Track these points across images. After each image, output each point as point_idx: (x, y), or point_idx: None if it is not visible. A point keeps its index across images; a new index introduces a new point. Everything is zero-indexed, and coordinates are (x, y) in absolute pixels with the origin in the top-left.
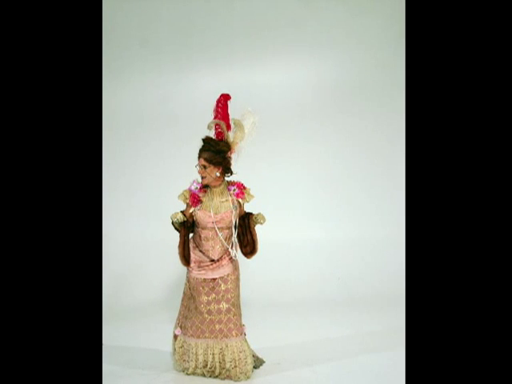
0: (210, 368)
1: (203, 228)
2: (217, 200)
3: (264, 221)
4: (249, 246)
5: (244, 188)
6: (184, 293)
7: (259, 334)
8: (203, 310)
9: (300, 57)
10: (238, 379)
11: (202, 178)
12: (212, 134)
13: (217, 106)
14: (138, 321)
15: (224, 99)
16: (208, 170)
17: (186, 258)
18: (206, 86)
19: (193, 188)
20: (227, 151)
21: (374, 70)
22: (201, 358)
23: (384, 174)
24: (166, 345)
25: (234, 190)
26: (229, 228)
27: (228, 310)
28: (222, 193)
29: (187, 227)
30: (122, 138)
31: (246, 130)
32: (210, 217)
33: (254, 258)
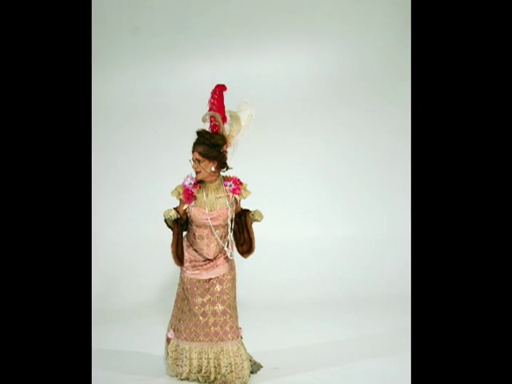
0: (204, 373)
1: (198, 226)
2: (212, 196)
3: (261, 218)
4: (245, 244)
5: (240, 184)
6: (177, 294)
7: (256, 337)
8: (197, 312)
9: (299, 45)
10: None
11: (197, 172)
12: (207, 127)
13: (212, 97)
14: (130, 323)
15: (219, 90)
16: (203, 164)
17: (179, 258)
18: (200, 76)
19: (187, 183)
20: (223, 145)
21: (377, 59)
22: (195, 363)
23: (388, 169)
24: (159, 349)
25: (230, 185)
26: (224, 226)
27: (224, 312)
28: (217, 189)
29: (181, 225)
30: (112, 131)
31: (242, 123)
32: (204, 214)
33: (251, 257)
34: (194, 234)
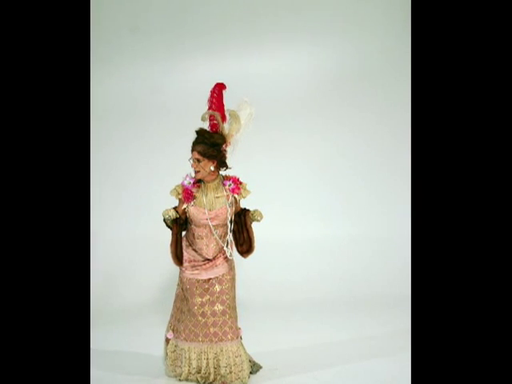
0: (203, 374)
1: (197, 225)
2: (211, 196)
3: (261, 218)
4: (245, 244)
5: (240, 183)
6: (176, 294)
7: (256, 338)
8: (197, 313)
9: (299, 44)
10: None
11: (196, 172)
12: (206, 126)
13: (211, 96)
14: (128, 324)
15: (219, 89)
16: (202, 163)
17: (178, 258)
18: (199, 75)
19: (186, 183)
20: (222, 144)
21: (377, 57)
22: (194, 363)
23: (388, 168)
24: (158, 349)
25: (230, 185)
26: (224, 225)
27: (223, 313)
28: (216, 188)
29: (180, 224)
30: (110, 130)
31: (242, 122)
32: (203, 213)
33: (251, 257)
34: (194, 234)
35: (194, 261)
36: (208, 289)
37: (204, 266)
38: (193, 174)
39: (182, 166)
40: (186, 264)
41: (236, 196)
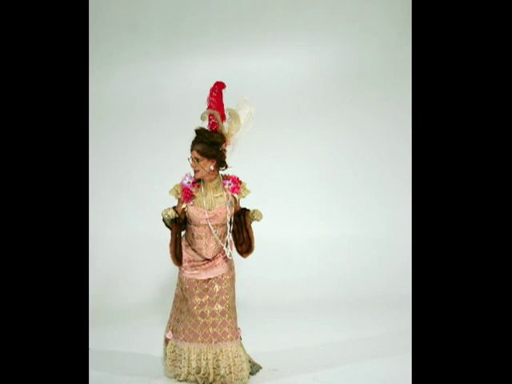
0: (203, 374)
1: (196, 225)
2: (211, 195)
3: (261, 217)
4: (245, 244)
5: (240, 182)
6: (176, 294)
7: (256, 338)
8: (196, 313)
9: (299, 43)
10: None
11: (195, 171)
12: (206, 125)
13: (211, 95)
14: (127, 324)
15: (218, 88)
16: (201, 163)
17: (177, 257)
18: (199, 74)
19: (185, 182)
20: (222, 143)
21: (378, 57)
22: (193, 364)
23: (389, 168)
24: (157, 349)
25: (229, 184)
26: (223, 225)
27: (223, 313)
28: (216, 188)
29: (179, 224)
30: (109, 129)
31: (241, 121)
32: (203, 213)
33: (251, 257)
34: (193, 234)
35: (194, 261)
36: (207, 289)
37: (203, 266)
38: (192, 174)
39: (181, 165)
40: (185, 264)
41: (235, 195)
